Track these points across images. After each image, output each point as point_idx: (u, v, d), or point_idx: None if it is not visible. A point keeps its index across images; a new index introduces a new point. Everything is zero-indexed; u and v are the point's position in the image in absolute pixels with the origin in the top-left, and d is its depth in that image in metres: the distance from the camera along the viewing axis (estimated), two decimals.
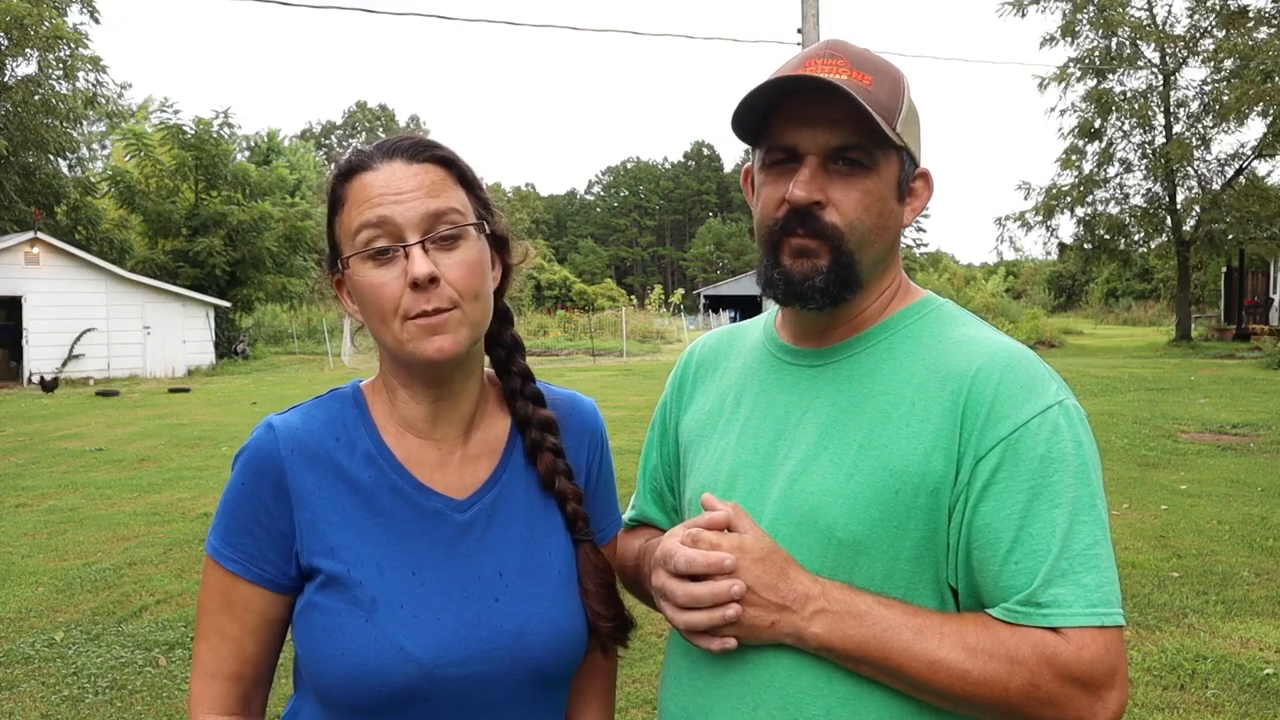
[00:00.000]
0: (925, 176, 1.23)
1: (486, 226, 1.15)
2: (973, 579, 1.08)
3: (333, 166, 1.18)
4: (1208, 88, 28.08)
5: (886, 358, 1.18)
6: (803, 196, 1.12)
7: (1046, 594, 1.02)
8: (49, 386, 19.76)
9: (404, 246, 1.07)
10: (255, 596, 1.12)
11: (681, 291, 59.62)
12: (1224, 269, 33.21)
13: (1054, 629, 1.02)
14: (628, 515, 1.47)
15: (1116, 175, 29.92)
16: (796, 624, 1.07)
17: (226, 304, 27.23)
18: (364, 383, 1.22)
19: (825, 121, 1.12)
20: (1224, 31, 26.79)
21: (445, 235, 1.08)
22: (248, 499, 1.12)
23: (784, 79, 1.12)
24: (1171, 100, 28.56)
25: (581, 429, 1.29)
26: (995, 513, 1.05)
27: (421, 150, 1.12)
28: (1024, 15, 29.15)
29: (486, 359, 1.26)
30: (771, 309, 1.35)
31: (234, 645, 1.13)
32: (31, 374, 22.01)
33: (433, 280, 1.06)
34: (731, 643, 1.09)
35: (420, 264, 1.05)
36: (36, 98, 26.04)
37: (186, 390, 19.81)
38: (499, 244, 1.19)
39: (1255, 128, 36.25)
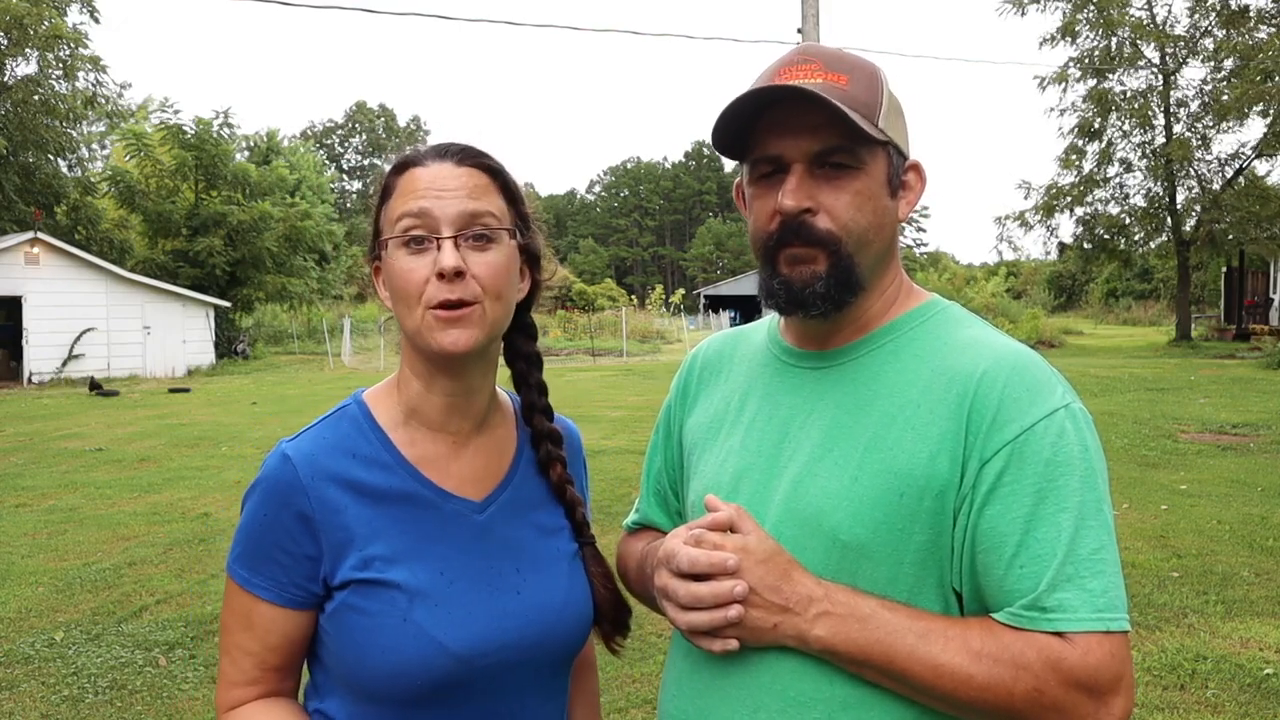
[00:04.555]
0: (916, 168, 1.22)
1: (519, 236, 1.21)
2: (977, 583, 1.07)
3: (389, 159, 1.23)
4: (1208, 87, 28.09)
5: (892, 360, 1.17)
6: (792, 206, 1.12)
7: (1052, 598, 1.01)
8: (95, 386, 19.56)
9: (437, 239, 1.13)
10: (280, 618, 1.17)
11: (682, 291, 59.53)
12: (1224, 269, 33.22)
13: (1059, 634, 1.01)
14: (631, 518, 1.47)
15: (1116, 175, 29.94)
16: (799, 626, 1.06)
17: (226, 304, 27.23)
18: (366, 392, 1.26)
19: (805, 128, 1.11)
20: (1224, 31, 26.79)
21: (478, 235, 1.14)
22: (271, 528, 1.16)
23: (758, 91, 1.12)
24: (1171, 100, 28.55)
25: (574, 449, 1.38)
26: (1001, 516, 1.05)
27: (471, 156, 1.19)
28: (1024, 14, 29.18)
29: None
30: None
31: (256, 659, 1.18)
32: (32, 374, 22.01)
33: (458, 273, 1.11)
34: (733, 644, 1.08)
35: (449, 256, 1.11)
36: (36, 98, 26.02)
37: (186, 390, 19.82)
38: (531, 259, 1.25)
39: (1255, 128, 36.31)
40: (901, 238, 1.28)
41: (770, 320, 1.35)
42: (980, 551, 1.06)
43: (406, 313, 1.15)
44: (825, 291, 1.14)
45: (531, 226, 1.24)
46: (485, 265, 1.14)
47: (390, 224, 1.16)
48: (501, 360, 1.32)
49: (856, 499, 1.10)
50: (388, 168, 1.22)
